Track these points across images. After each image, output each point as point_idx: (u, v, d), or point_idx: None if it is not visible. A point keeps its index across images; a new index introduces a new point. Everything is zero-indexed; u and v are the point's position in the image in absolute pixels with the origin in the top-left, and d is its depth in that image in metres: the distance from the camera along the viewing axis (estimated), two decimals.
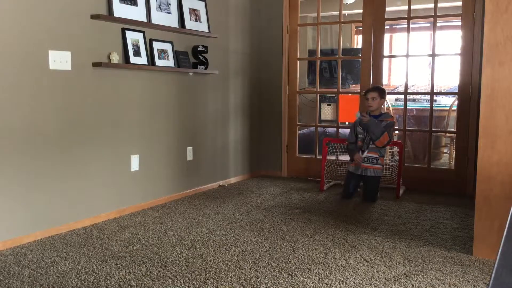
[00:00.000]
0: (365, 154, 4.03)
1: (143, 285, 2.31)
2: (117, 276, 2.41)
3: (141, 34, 3.62)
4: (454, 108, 5.15)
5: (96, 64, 3.27)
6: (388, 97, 5.78)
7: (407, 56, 4.54)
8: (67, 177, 3.17)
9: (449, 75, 6.34)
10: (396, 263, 2.62)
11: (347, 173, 4.18)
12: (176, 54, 3.95)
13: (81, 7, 3.18)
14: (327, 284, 2.34)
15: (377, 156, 4.02)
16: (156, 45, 3.76)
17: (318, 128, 5.12)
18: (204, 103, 4.34)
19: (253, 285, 2.31)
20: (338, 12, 4.83)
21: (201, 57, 4.15)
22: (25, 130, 2.90)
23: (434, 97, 4.85)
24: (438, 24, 4.47)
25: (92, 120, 3.31)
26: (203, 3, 4.22)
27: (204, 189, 4.42)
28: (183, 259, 2.65)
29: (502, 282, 0.97)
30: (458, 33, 4.85)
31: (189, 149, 4.21)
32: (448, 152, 5.77)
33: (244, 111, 4.92)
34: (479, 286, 2.33)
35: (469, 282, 2.38)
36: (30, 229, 2.96)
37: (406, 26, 4.60)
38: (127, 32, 3.51)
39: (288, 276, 2.42)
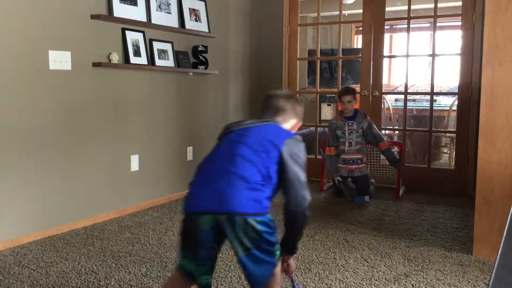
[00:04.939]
0: (350, 151, 4.09)
1: (143, 285, 2.31)
2: (117, 276, 2.41)
3: (141, 34, 3.62)
4: (454, 108, 5.15)
5: (96, 64, 3.27)
6: (388, 97, 5.79)
7: (407, 56, 4.54)
8: (67, 177, 3.17)
9: (449, 75, 6.33)
10: (396, 263, 2.62)
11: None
12: (176, 54, 3.95)
13: (81, 7, 3.18)
14: (327, 284, 2.34)
15: (361, 157, 4.11)
16: (156, 45, 3.76)
17: (318, 128, 5.12)
18: (204, 103, 4.34)
19: None
20: (338, 12, 4.83)
21: (201, 57, 4.15)
22: (25, 130, 2.90)
23: (434, 97, 4.85)
24: (438, 24, 4.47)
25: (92, 120, 3.31)
26: (203, 3, 4.22)
27: None
28: None
29: (502, 282, 0.97)
30: (458, 33, 4.85)
31: (189, 149, 4.21)
32: (448, 152, 5.77)
33: (244, 111, 4.92)
34: (479, 286, 2.33)
35: (469, 282, 2.38)
36: (30, 229, 2.96)
37: (406, 26, 4.59)
38: (127, 32, 3.51)
39: None
